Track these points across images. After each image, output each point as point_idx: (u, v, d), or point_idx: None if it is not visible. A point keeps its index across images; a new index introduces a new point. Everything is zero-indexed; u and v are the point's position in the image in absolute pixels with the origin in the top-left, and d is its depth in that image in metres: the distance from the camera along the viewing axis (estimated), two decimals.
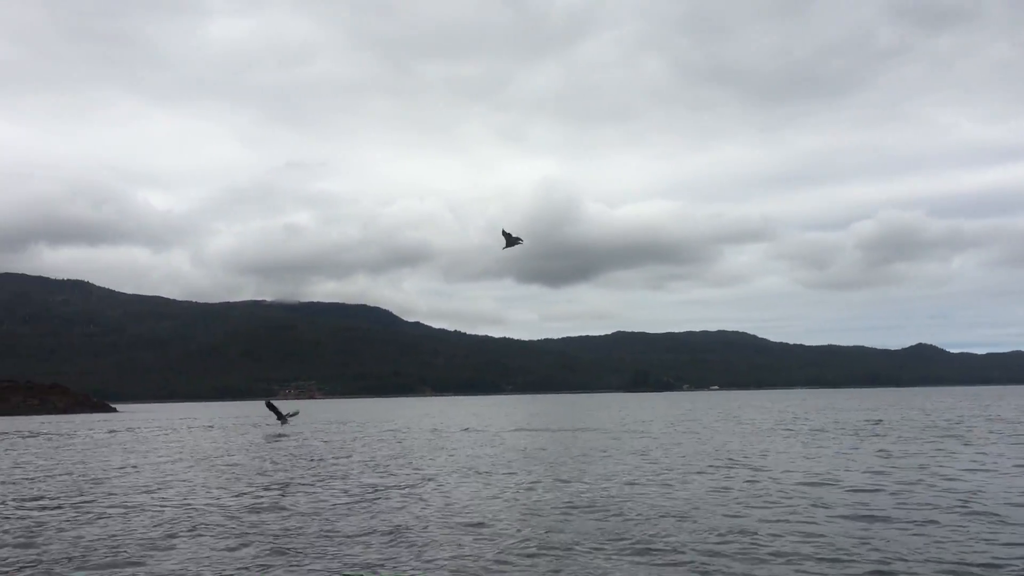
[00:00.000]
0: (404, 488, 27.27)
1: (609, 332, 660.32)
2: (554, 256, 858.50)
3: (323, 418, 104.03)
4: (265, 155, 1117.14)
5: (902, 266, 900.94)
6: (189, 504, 24.47)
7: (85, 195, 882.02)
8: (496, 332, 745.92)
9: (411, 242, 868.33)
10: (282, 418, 68.82)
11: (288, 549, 17.67)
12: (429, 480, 29.39)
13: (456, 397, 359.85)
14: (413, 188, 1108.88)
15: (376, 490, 26.86)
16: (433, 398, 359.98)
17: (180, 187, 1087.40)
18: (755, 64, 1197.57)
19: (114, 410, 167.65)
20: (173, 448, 49.42)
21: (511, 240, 34.66)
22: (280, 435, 61.28)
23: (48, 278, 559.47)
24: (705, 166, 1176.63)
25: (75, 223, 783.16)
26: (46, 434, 70.63)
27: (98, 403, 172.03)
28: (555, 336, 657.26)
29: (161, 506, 24.20)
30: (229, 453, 44.20)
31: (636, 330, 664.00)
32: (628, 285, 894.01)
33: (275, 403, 74.73)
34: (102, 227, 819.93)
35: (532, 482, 28.30)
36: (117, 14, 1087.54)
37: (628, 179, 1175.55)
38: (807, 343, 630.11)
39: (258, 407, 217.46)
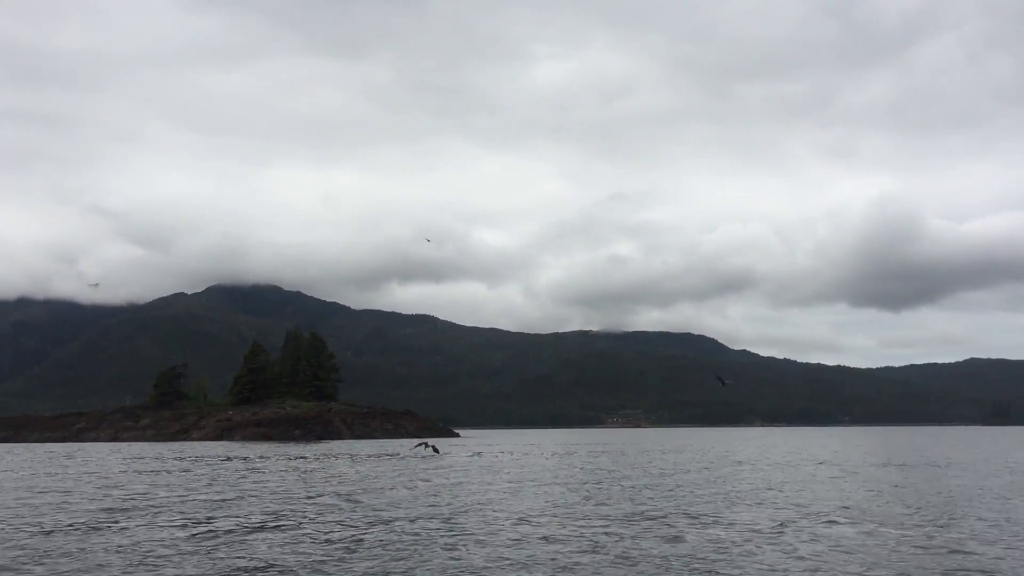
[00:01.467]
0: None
1: (960, 359, 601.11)
2: (892, 278, 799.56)
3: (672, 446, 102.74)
4: (589, 189, 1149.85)
5: None
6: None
7: (429, 236, 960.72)
8: (830, 360, 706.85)
9: (735, 268, 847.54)
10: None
11: None
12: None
13: (789, 428, 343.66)
14: (736, 212, 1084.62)
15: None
16: (763, 428, 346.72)
17: (511, 224, 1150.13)
18: None
19: (457, 435, 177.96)
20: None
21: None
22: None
23: (399, 313, 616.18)
24: None
25: (421, 262, 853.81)
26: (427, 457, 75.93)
27: (443, 428, 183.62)
28: (896, 364, 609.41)
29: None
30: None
31: (993, 356, 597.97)
32: (981, 307, 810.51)
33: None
34: (444, 265, 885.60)
35: None
36: (453, 68, 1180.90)
37: (977, 190, 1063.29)
38: None
39: (590, 434, 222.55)
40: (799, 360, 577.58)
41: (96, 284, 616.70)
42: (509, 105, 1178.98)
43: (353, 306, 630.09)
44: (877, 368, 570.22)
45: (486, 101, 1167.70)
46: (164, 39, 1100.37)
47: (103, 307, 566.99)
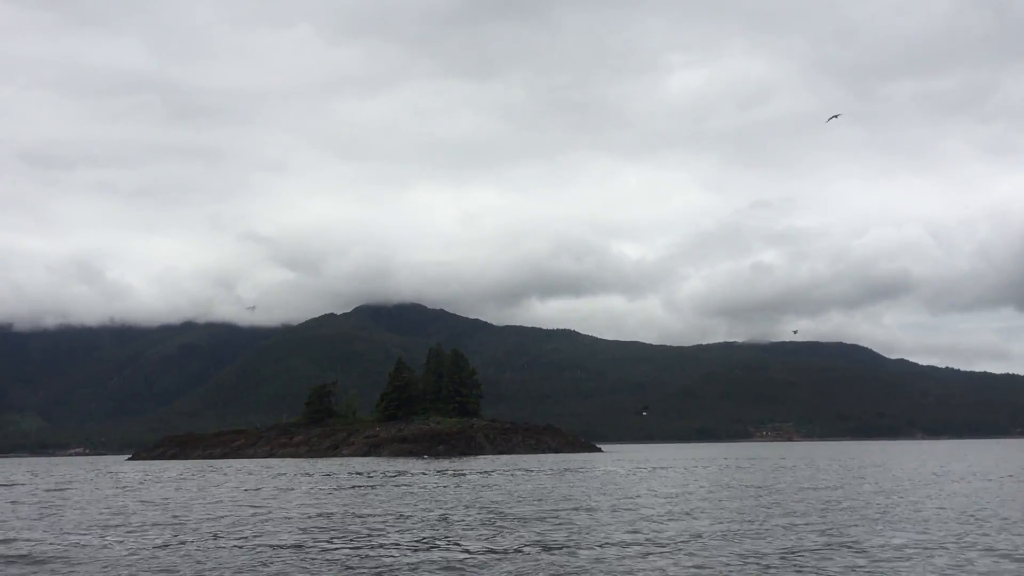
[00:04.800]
0: None
1: None
2: None
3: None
4: (729, 198, 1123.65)
5: None
6: None
7: (568, 250, 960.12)
8: (997, 368, 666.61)
9: (889, 273, 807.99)
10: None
11: None
12: None
13: (953, 441, 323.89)
14: (887, 216, 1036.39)
15: None
16: (924, 441, 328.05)
17: (650, 236, 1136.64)
18: None
19: (599, 450, 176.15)
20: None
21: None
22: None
23: (540, 328, 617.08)
24: None
25: (561, 277, 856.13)
26: (580, 470, 75.43)
27: (585, 443, 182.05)
28: None
29: None
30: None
31: None
32: None
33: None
34: (584, 279, 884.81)
35: None
36: (586, 83, 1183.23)
37: None
38: None
39: (745, 448, 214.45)
40: (962, 369, 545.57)
41: (253, 307, 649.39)
42: (644, 117, 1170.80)
43: (494, 322, 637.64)
44: None
45: (620, 114, 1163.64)
46: (308, 71, 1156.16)
47: (259, 329, 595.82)
